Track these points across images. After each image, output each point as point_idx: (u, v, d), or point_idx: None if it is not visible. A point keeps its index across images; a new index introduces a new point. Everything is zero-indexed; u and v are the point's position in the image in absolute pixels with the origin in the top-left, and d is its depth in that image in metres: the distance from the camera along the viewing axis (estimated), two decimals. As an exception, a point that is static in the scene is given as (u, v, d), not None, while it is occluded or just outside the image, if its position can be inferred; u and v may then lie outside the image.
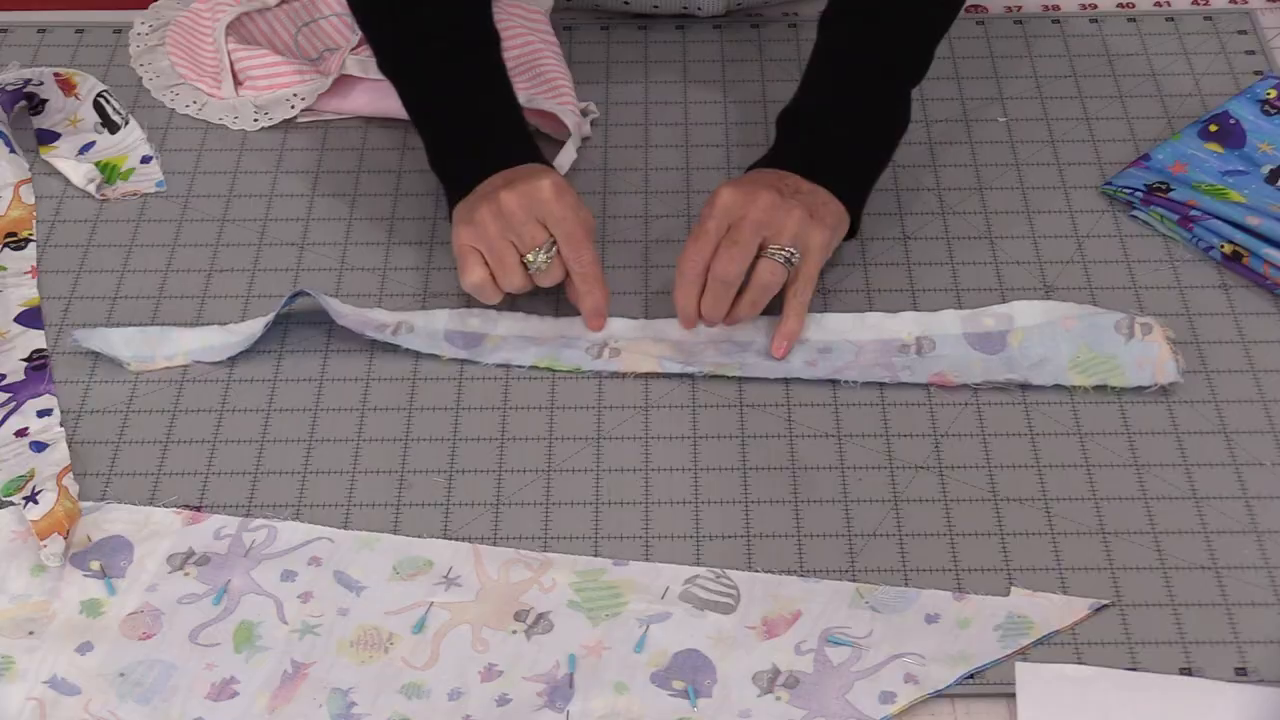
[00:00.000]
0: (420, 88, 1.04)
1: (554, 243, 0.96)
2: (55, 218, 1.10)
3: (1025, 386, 0.97)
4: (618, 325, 1.00)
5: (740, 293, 0.97)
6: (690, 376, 0.98)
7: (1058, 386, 0.97)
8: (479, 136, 1.02)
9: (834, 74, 1.02)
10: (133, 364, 1.00)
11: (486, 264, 0.97)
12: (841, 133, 1.01)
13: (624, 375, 0.98)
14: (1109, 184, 1.09)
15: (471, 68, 1.02)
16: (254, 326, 1.00)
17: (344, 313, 1.00)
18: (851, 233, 1.02)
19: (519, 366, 0.99)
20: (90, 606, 0.87)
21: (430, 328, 1.00)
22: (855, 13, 1.02)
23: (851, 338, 0.99)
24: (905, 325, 1.00)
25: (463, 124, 1.02)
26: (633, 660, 0.84)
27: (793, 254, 0.96)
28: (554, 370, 0.99)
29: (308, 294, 0.99)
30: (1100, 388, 0.97)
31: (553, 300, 1.02)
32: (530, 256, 0.96)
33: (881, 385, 0.97)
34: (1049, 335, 0.99)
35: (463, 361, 0.99)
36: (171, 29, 1.22)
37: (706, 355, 0.98)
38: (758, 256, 0.96)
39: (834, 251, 1.01)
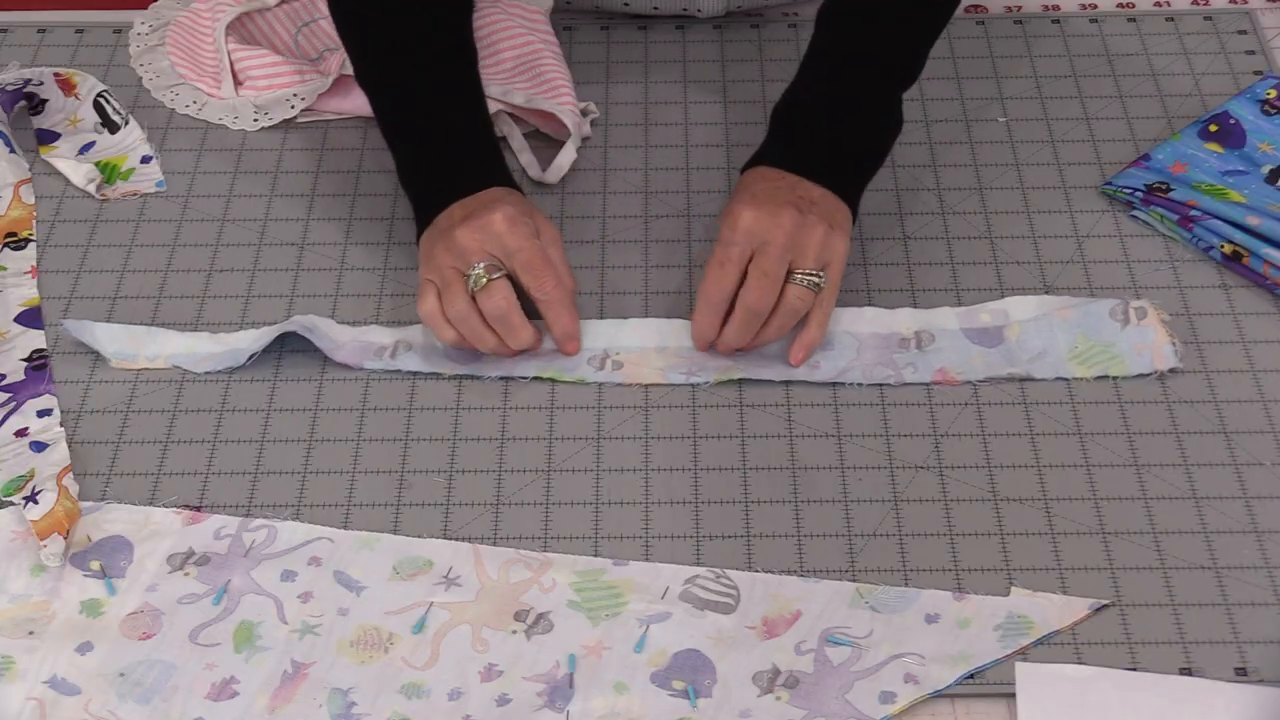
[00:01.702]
0: (390, 104, 1.03)
1: (500, 268, 0.95)
2: (55, 218, 1.10)
3: (1026, 381, 0.97)
4: (619, 338, 1.00)
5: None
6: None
7: (1059, 384, 0.97)
8: (443, 161, 1.01)
9: (830, 71, 1.02)
10: (114, 360, 1.00)
11: (440, 296, 0.97)
12: (837, 130, 1.00)
13: (629, 386, 0.98)
14: (1109, 184, 1.09)
15: (441, 86, 1.01)
16: (241, 341, 1.00)
17: (341, 341, 1.00)
18: None
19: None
20: (90, 606, 0.87)
21: (430, 344, 1.00)
22: (854, 12, 1.02)
23: (851, 330, 0.99)
24: (903, 320, 1.00)
25: (428, 147, 1.01)
26: (633, 660, 0.84)
27: (819, 277, 0.95)
28: (557, 381, 0.98)
29: (299, 333, 0.99)
30: (1101, 381, 0.97)
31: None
32: (468, 273, 0.95)
33: (881, 386, 0.97)
34: (1046, 327, 0.99)
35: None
36: (171, 29, 1.22)
37: (710, 363, 0.98)
38: (785, 281, 0.95)
39: None
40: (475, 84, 1.03)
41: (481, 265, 0.95)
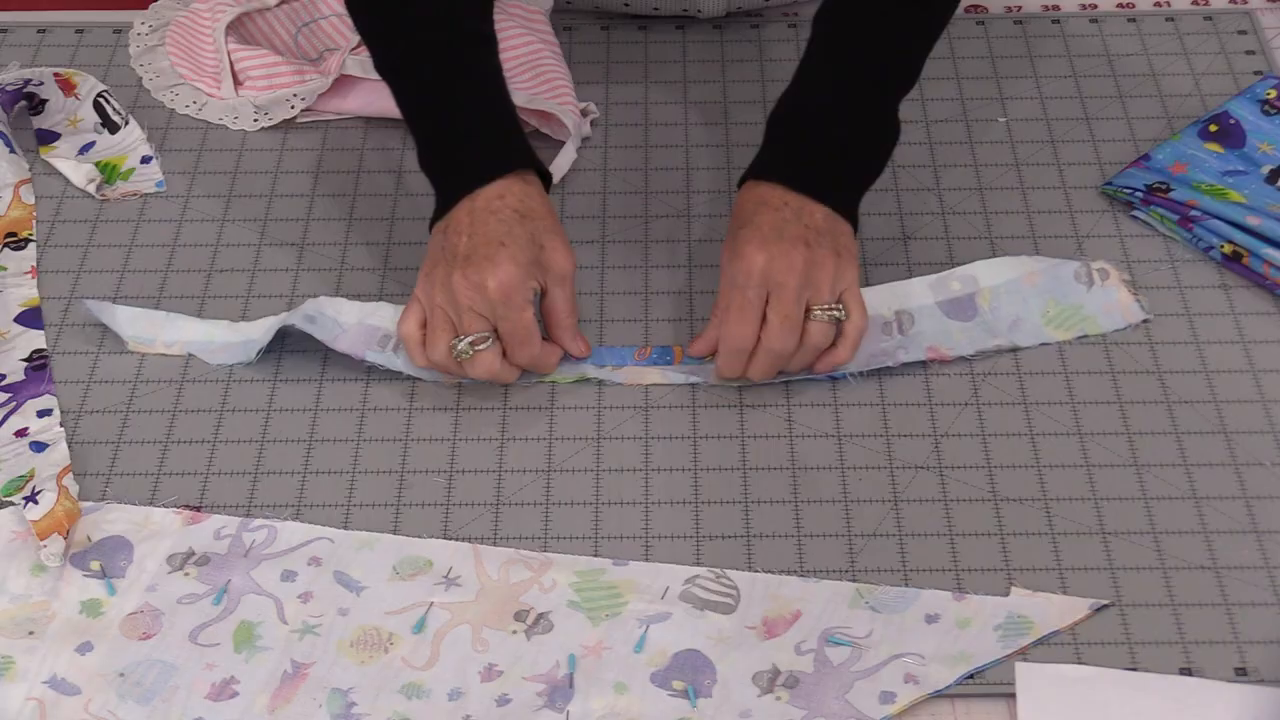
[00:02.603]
0: (410, 88, 1.02)
1: (488, 336, 0.94)
2: (55, 218, 1.10)
3: (1022, 367, 0.97)
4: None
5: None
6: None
7: (1058, 384, 0.97)
8: (461, 146, 0.99)
9: (830, 73, 1.00)
10: (131, 344, 1.00)
11: (425, 325, 0.96)
12: (836, 133, 0.99)
13: (629, 386, 0.98)
14: (1109, 184, 1.09)
15: (462, 69, 1.00)
16: (255, 330, 1.00)
17: (346, 325, 0.99)
18: None
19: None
20: (90, 606, 0.87)
21: None
22: (852, 15, 1.01)
23: None
24: (882, 298, 1.00)
25: (447, 131, 1.00)
26: (633, 660, 0.84)
27: (837, 310, 0.94)
28: (557, 382, 0.98)
29: (300, 326, 0.98)
30: (1101, 380, 0.97)
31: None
32: (455, 341, 0.94)
33: (881, 385, 0.97)
34: (1015, 293, 1.00)
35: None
36: (171, 29, 1.22)
37: (710, 364, 0.98)
38: (804, 319, 0.95)
39: None
40: (495, 69, 1.02)
41: (467, 340, 0.93)
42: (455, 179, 0.98)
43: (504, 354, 0.95)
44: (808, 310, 0.94)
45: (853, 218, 0.99)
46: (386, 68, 1.03)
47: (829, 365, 0.96)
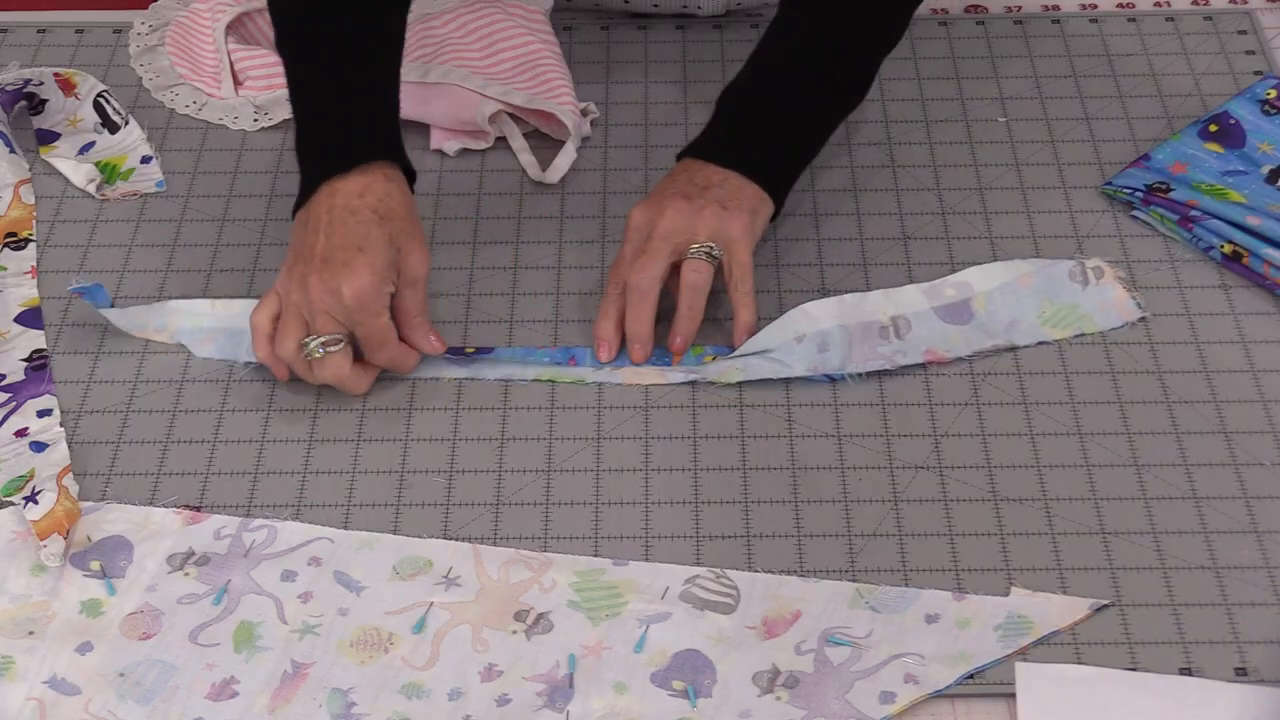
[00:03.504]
0: (299, 68, 1.01)
1: (340, 339, 0.94)
2: (55, 218, 1.10)
3: (1020, 363, 0.98)
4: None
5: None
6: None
7: (1058, 384, 0.97)
8: (332, 126, 0.98)
9: (774, 57, 1.03)
10: (126, 329, 1.01)
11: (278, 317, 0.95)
12: (769, 119, 1.01)
13: (629, 386, 0.98)
14: (1109, 184, 1.09)
15: (355, 59, 0.99)
16: (239, 318, 1.00)
17: None
18: (776, 212, 1.02)
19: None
20: (90, 606, 0.87)
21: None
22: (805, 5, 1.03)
23: (840, 322, 0.99)
24: (877, 304, 1.00)
25: (323, 110, 0.99)
26: (633, 660, 0.84)
27: (712, 248, 0.96)
28: (557, 381, 0.99)
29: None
30: (1102, 380, 0.97)
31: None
32: (306, 340, 0.94)
33: (881, 385, 0.97)
34: (1011, 295, 1.00)
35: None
36: (171, 29, 1.22)
37: (710, 366, 0.98)
38: (682, 261, 0.97)
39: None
40: (391, 66, 1.00)
41: (318, 341, 0.93)
42: (318, 162, 0.97)
43: (355, 358, 0.95)
44: (682, 252, 0.96)
45: (778, 194, 1.01)
46: (284, 46, 1.02)
47: (741, 331, 0.98)
